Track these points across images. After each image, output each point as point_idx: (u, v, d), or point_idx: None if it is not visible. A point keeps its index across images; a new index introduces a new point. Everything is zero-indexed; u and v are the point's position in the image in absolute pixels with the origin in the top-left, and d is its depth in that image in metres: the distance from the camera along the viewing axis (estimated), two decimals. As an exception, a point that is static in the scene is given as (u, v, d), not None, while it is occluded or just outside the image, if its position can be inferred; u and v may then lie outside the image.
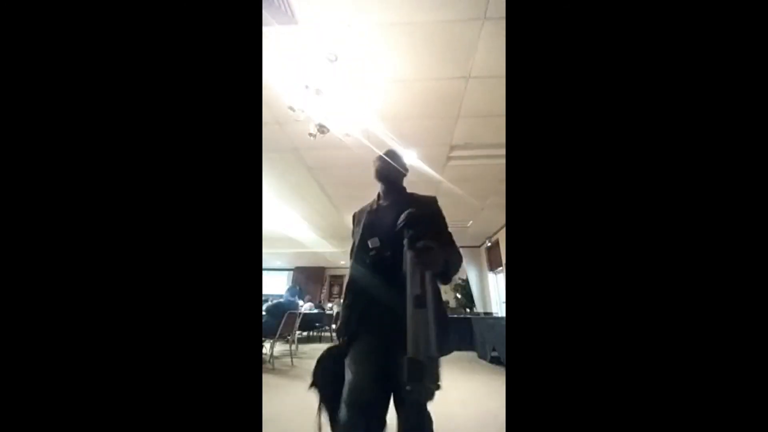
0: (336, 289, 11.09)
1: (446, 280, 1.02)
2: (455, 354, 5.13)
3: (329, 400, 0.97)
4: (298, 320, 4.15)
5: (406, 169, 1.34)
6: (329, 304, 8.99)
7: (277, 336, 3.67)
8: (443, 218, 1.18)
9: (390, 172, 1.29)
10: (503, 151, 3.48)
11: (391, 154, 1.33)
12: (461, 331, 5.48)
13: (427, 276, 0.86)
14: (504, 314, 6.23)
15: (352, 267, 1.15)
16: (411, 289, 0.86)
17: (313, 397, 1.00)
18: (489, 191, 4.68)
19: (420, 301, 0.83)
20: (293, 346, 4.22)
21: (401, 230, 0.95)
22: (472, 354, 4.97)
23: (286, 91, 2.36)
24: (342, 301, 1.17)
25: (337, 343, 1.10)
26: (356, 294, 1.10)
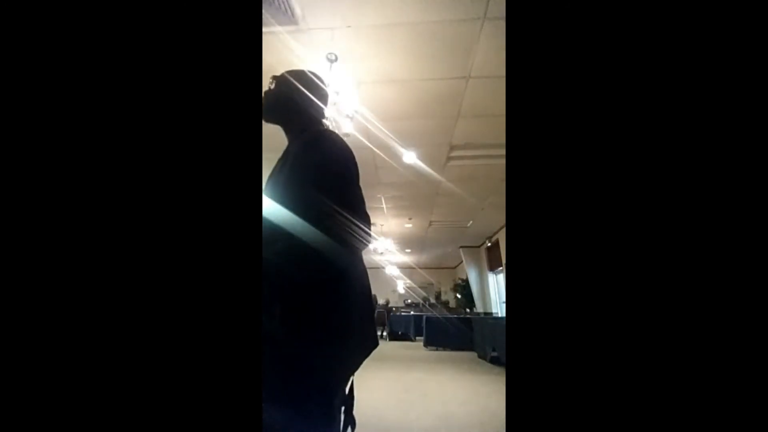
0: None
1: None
2: (455, 354, 5.13)
3: None
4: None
5: (321, 100, 0.83)
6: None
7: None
8: (325, 171, 0.70)
9: (281, 107, 0.80)
10: (503, 151, 3.48)
11: (298, 76, 0.81)
12: (462, 330, 5.47)
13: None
14: (504, 314, 6.24)
15: None
16: None
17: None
18: (489, 191, 4.69)
19: None
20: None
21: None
22: (472, 354, 4.97)
23: (286, 91, 2.35)
24: None
25: None
26: None
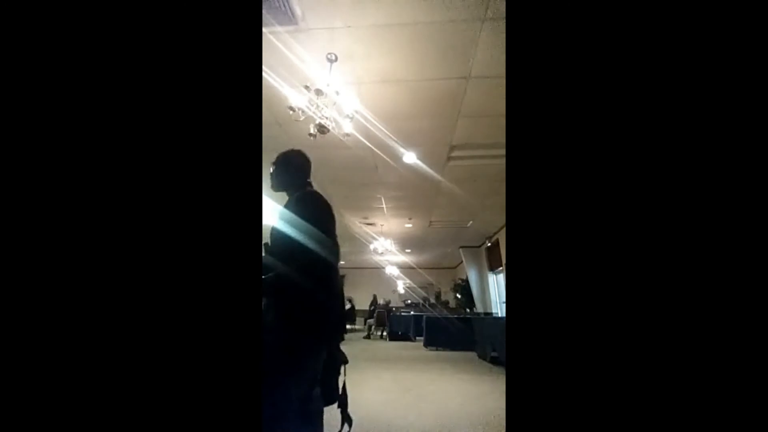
0: (336, 289, 11.06)
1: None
2: (455, 354, 5.13)
3: None
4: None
5: (301, 171, 1.27)
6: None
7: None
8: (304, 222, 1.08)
9: (280, 180, 1.26)
10: (503, 151, 3.48)
11: (285, 159, 1.27)
12: (462, 330, 5.47)
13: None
14: (504, 314, 6.24)
15: None
16: None
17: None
18: (489, 191, 4.68)
19: None
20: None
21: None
22: (472, 354, 4.97)
23: (286, 91, 2.36)
24: None
25: None
26: None
